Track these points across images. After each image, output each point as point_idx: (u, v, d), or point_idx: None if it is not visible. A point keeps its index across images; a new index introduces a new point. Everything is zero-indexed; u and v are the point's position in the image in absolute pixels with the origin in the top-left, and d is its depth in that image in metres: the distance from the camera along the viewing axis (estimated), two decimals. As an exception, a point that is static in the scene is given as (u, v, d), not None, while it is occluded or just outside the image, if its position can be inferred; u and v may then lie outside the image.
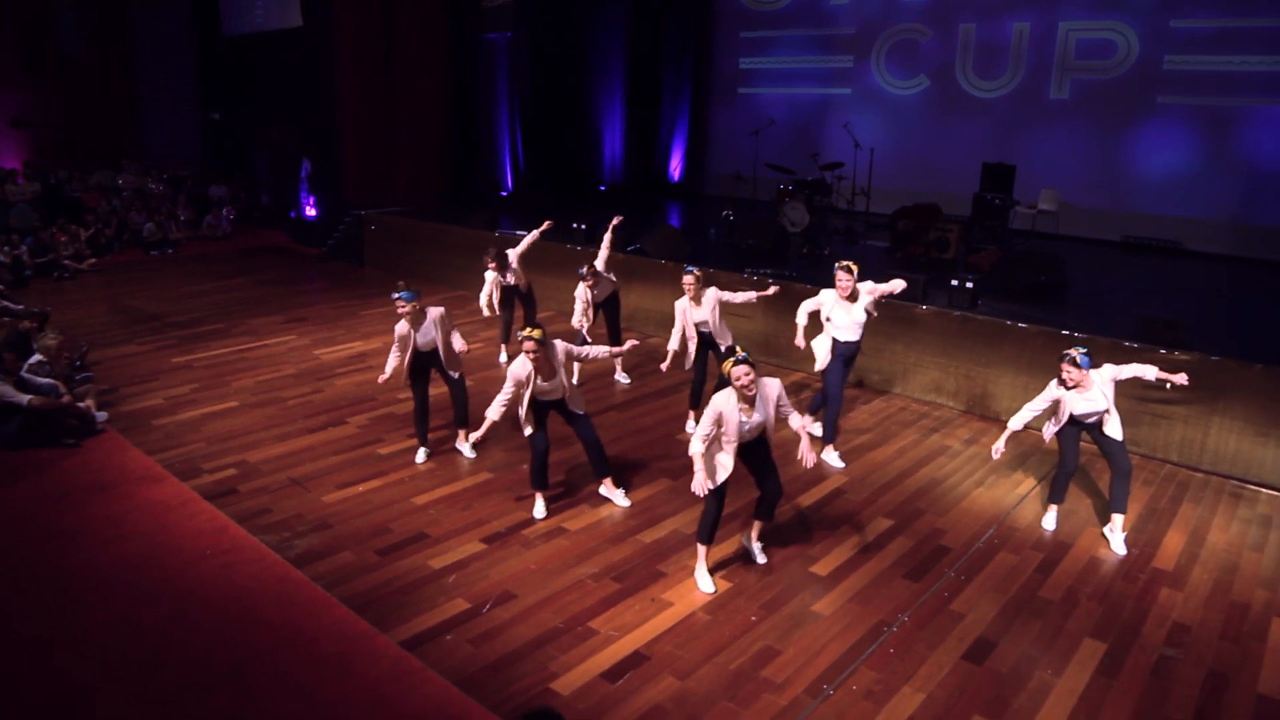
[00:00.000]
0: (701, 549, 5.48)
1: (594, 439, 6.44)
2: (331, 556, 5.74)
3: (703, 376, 7.77)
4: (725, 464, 5.23)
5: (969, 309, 8.66)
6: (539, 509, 6.33)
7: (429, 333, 6.89)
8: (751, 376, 5.04)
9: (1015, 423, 6.13)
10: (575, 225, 12.03)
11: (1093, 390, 5.86)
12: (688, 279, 7.38)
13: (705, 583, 5.46)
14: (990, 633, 5.09)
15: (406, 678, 4.57)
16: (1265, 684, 4.72)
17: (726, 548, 5.92)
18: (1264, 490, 7.07)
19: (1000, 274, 9.86)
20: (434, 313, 6.90)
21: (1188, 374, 7.23)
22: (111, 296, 12.84)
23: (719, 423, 5.15)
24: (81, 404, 7.69)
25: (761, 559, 5.78)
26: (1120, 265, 11.85)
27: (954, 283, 8.86)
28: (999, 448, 6.10)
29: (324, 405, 8.46)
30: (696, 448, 5.14)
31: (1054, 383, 5.99)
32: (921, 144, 15.13)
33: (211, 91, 20.40)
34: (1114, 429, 5.91)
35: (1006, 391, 8.29)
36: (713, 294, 7.48)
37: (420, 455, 7.25)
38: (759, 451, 5.43)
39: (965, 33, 14.52)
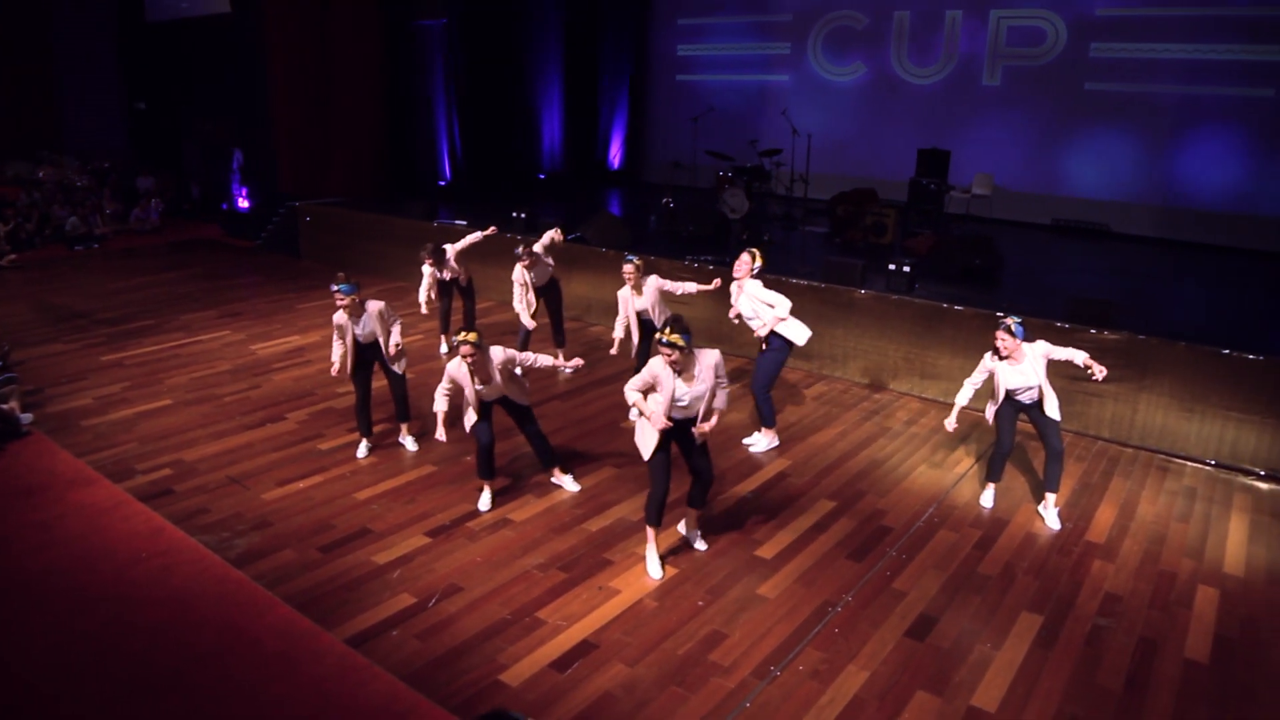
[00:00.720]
0: (650, 532, 5.50)
1: (537, 432, 6.43)
2: (273, 555, 5.64)
3: (644, 364, 7.78)
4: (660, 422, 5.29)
5: (906, 292, 8.80)
6: (484, 501, 6.30)
7: (368, 325, 6.79)
8: (674, 357, 5.06)
9: (961, 398, 6.30)
10: (515, 214, 11.94)
11: (1025, 364, 5.99)
12: (628, 268, 7.38)
13: (654, 567, 5.48)
14: (932, 609, 5.20)
15: (353, 675, 4.52)
16: (1191, 649, 4.91)
17: (672, 535, 5.96)
18: (1189, 463, 7.33)
19: (936, 257, 10.04)
20: (373, 306, 6.78)
21: (1117, 353, 7.49)
22: (35, 294, 12.40)
23: (655, 383, 5.19)
24: (4, 406, 7.43)
25: (701, 545, 5.82)
26: (1051, 247, 12.14)
27: (891, 267, 8.99)
28: (951, 422, 6.30)
29: (262, 401, 8.29)
30: (633, 397, 5.27)
31: (988, 355, 6.14)
32: (858, 130, 15.32)
33: (136, 79, 19.77)
34: (1052, 409, 6.05)
35: (944, 373, 8.46)
36: (653, 282, 7.49)
37: (362, 449, 7.15)
38: (691, 431, 5.44)
39: (899, 20, 14.71)
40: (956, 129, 14.08)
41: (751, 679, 4.56)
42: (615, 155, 18.28)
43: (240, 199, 17.55)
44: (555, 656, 4.70)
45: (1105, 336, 7.60)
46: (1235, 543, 6.07)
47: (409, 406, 7.26)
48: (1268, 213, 11.76)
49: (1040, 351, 6.00)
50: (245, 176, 17.40)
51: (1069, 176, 13.44)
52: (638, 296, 7.48)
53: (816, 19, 15.63)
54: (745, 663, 4.68)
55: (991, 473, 6.47)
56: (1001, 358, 6.02)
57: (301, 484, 6.62)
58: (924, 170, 12.81)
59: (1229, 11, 11.80)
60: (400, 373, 7.06)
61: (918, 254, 10.37)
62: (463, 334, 5.79)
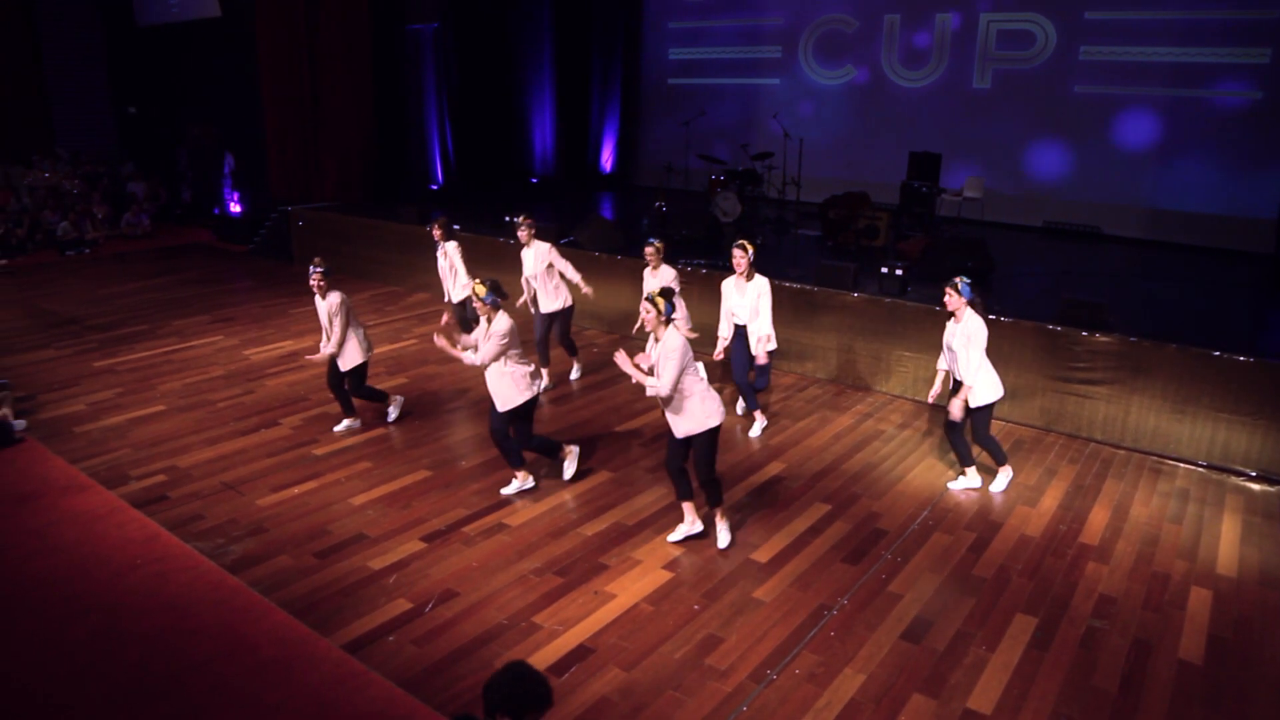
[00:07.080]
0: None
1: (490, 431, 6.55)
2: (268, 561, 5.63)
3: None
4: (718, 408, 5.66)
5: (899, 295, 8.82)
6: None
7: (321, 310, 7.31)
8: (647, 315, 5.47)
9: (942, 364, 6.70)
10: (508, 219, 11.94)
11: (963, 323, 6.32)
12: (649, 250, 7.83)
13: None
14: (927, 612, 5.22)
15: (349, 681, 4.52)
16: (1185, 650, 4.93)
17: (666, 544, 5.97)
18: (1181, 465, 7.37)
19: (928, 260, 10.05)
20: (332, 296, 7.21)
21: (1109, 355, 7.56)
22: (26, 299, 12.36)
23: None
24: (-3, 412, 7.42)
25: (687, 532, 6.00)
26: (1042, 250, 12.18)
27: (884, 270, 9.01)
28: (935, 392, 6.70)
29: (255, 407, 8.28)
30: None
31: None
32: (849, 133, 15.35)
33: (126, 84, 19.71)
34: (974, 397, 6.35)
35: (937, 376, 8.47)
36: (667, 271, 7.85)
37: (341, 425, 7.71)
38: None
39: (890, 24, 14.76)
40: (947, 132, 14.13)
41: (748, 683, 4.57)
42: (607, 159, 18.28)
43: (232, 203, 17.51)
44: (552, 661, 4.70)
45: (1097, 339, 7.63)
46: (1228, 544, 6.11)
47: (352, 402, 7.73)
48: (1256, 214, 11.81)
49: (978, 324, 6.31)
50: (237, 181, 17.36)
51: (1060, 179, 13.49)
52: (653, 276, 7.85)
53: (807, 23, 15.66)
54: (742, 666, 4.69)
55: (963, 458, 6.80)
56: (948, 314, 6.41)
57: (296, 489, 6.61)
58: (915, 173, 12.83)
59: (1215, 15, 11.85)
60: (341, 368, 7.41)
61: (910, 257, 10.39)
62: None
